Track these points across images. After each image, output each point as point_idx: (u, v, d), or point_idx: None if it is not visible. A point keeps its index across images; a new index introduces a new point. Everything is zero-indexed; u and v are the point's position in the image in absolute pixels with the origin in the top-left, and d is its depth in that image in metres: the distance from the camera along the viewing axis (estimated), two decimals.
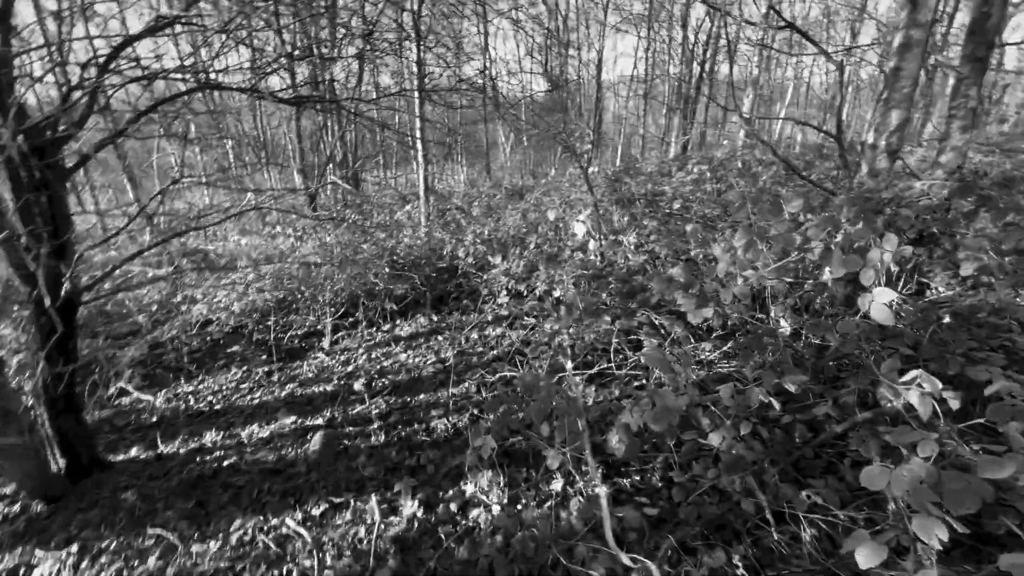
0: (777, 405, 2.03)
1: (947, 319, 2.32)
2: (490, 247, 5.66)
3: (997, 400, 1.71)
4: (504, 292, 3.80)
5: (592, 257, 4.64)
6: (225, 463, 2.78)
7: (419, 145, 6.78)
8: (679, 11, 16.74)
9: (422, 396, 3.31)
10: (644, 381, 2.91)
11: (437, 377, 3.60)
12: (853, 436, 2.00)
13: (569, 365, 2.71)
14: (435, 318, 4.78)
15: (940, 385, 1.82)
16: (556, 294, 3.92)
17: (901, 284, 3.08)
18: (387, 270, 4.74)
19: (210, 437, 3.13)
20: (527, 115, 19.44)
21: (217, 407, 3.57)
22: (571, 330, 2.83)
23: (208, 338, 4.75)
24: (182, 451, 2.99)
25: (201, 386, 3.95)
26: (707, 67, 16.76)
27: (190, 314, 4.93)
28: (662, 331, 2.87)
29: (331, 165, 11.28)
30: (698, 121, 16.25)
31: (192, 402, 3.69)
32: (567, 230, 5.00)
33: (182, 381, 4.06)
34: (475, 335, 4.22)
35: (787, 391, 2.30)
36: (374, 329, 4.75)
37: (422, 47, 6.42)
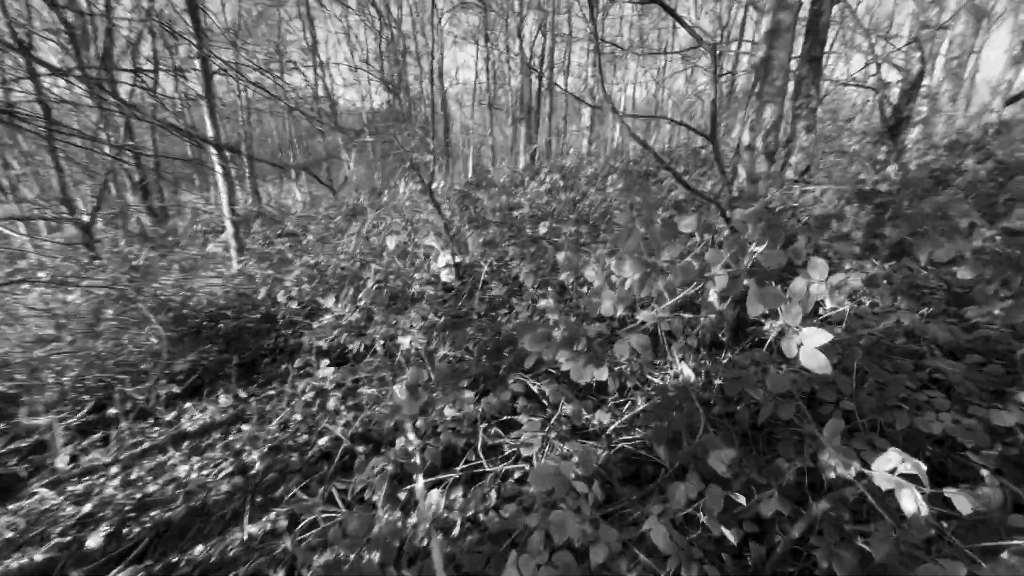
0: (731, 536, 1.38)
1: (862, 350, 1.95)
2: (320, 285, 4.51)
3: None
4: (324, 361, 2.75)
5: (445, 279, 3.82)
6: None
7: (215, 158, 5.28)
8: (514, 24, 16.91)
9: (199, 550, 2.12)
10: (527, 467, 2.13)
11: (233, 501, 2.42)
12: (818, 545, 1.44)
13: (420, 482, 1.81)
14: (242, 395, 3.50)
15: (924, 467, 1.32)
16: (404, 345, 3.00)
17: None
18: (153, 339, 3.33)
19: None
20: (368, 126, 18.06)
21: None
22: (418, 422, 1.93)
23: None
24: None
25: None
26: (544, 80, 17.19)
27: None
28: (544, 401, 2.14)
29: (108, 189, 8.81)
30: (542, 131, 16.54)
31: None
32: (412, 259, 4.10)
33: None
34: (298, 416, 3.08)
35: (714, 472, 1.70)
36: (149, 424, 3.31)
37: (204, 33, 4.98)
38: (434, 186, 6.06)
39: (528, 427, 1.92)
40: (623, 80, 23.55)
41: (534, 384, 2.12)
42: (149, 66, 10.52)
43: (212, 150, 5.26)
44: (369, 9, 15.82)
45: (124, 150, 9.22)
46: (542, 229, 2.50)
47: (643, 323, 2.11)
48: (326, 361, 2.74)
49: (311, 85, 15.89)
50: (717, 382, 2.29)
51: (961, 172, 5.73)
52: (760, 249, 2.02)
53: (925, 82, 6.38)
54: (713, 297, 2.68)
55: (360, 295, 3.65)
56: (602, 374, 1.91)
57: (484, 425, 2.03)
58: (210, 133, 5.23)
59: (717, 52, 2.42)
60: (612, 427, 2.02)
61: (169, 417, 3.39)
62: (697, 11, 17.08)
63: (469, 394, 2.01)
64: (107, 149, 8.83)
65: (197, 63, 4.98)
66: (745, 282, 2.02)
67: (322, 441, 2.79)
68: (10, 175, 10.40)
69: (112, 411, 3.36)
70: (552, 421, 1.99)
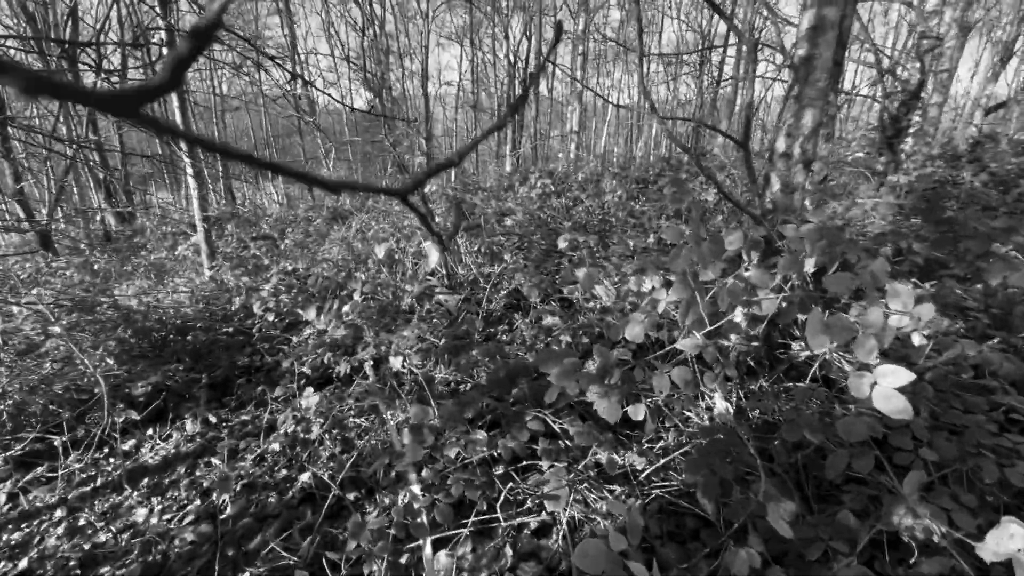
0: None
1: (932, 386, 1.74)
2: (301, 294, 4.16)
3: None
4: (308, 389, 2.42)
5: (443, 296, 3.52)
6: None
7: (186, 160, 4.87)
8: (500, 26, 16.71)
9: None
10: (546, 516, 1.85)
11: (199, 555, 2.08)
12: None
13: (428, 548, 1.52)
14: (212, 420, 3.14)
15: None
16: (395, 367, 2.69)
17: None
18: (110, 361, 2.94)
19: None
20: (348, 126, 17.61)
21: None
22: (424, 471, 1.64)
23: None
24: None
25: None
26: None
27: None
28: (565, 445, 1.87)
29: (66, 188, 8.24)
30: (529, 134, 16.35)
31: None
32: (403, 270, 3.79)
33: None
34: (276, 446, 2.74)
35: (773, 530, 1.46)
36: (103, 454, 2.92)
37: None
38: (425, 189, 5.75)
39: (552, 475, 1.65)
40: (606, 86, 23.59)
41: (555, 422, 1.85)
42: (115, 60, 9.92)
43: (182, 146, 4.85)
44: (351, 6, 15.39)
45: (84, 147, 8.66)
46: (562, 243, 2.23)
47: (680, 352, 1.86)
48: (310, 389, 2.41)
49: (288, 82, 15.37)
50: (754, 414, 2.07)
51: (958, 183, 5.71)
52: (811, 269, 1.80)
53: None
54: (740, 317, 2.46)
55: (346, 308, 3.33)
56: (638, 412, 1.66)
57: (499, 471, 1.75)
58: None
59: (760, 43, 2.19)
60: (646, 472, 1.76)
61: (127, 447, 3.01)
62: (680, 22, 17.15)
63: (482, 435, 1.73)
64: (66, 145, 8.27)
65: (166, 51, 4.57)
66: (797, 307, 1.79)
67: (304, 477, 2.46)
68: None
69: (61, 440, 2.96)
70: (580, 467, 1.72)
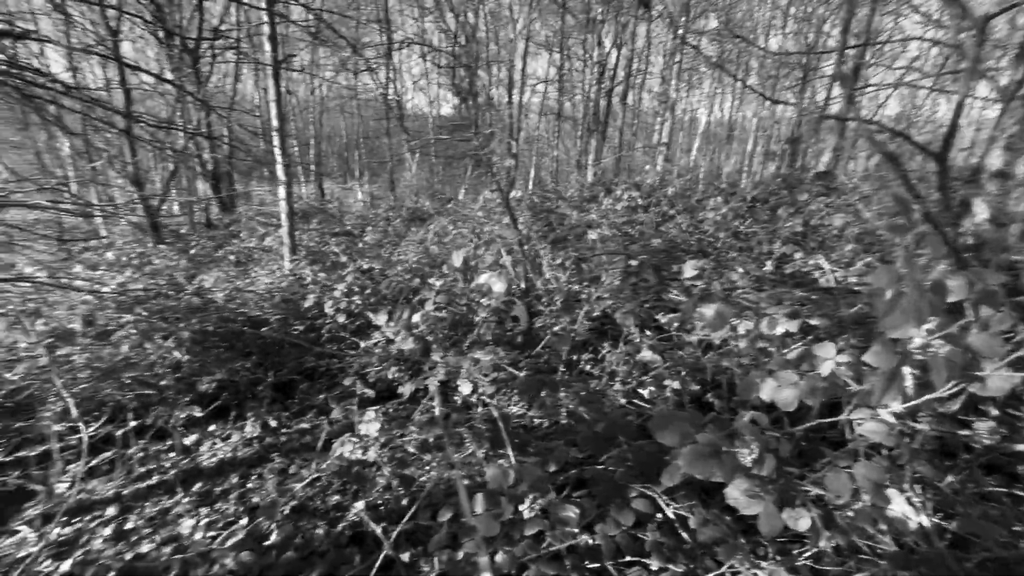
0: None
1: None
2: (373, 296, 3.98)
3: None
4: (368, 413, 2.14)
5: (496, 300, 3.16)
6: None
7: (278, 153, 4.92)
8: (593, 33, 16.32)
9: None
10: None
11: None
12: None
13: None
14: (272, 423, 2.98)
15: None
16: (464, 392, 2.36)
17: None
18: (176, 354, 2.85)
19: None
20: (434, 130, 17.97)
21: None
22: (499, 556, 1.27)
23: None
24: None
25: None
26: (616, 93, 16.46)
27: None
28: (681, 537, 1.42)
29: (177, 175, 8.86)
30: (612, 145, 15.78)
31: None
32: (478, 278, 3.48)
33: None
34: (331, 467, 2.49)
35: None
36: (165, 447, 2.83)
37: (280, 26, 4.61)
38: (511, 195, 5.48)
39: None
40: (696, 101, 22.49)
41: (669, 504, 1.41)
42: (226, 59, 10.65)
43: (275, 140, 4.91)
44: (446, 14, 15.69)
45: (197, 135, 9.26)
46: (690, 271, 1.80)
47: (832, 426, 1.37)
48: (371, 413, 2.13)
49: (381, 85, 15.88)
50: (948, 525, 1.50)
51: None
52: None
53: None
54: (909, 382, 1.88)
55: (417, 318, 3.06)
56: (801, 522, 1.19)
57: (594, 566, 1.34)
58: (274, 123, 4.87)
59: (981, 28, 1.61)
60: None
61: (189, 441, 2.92)
62: (786, 27, 15.84)
63: (571, 512, 1.33)
64: (181, 135, 8.88)
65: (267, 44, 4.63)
66: None
67: (358, 506, 2.19)
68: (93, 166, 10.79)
69: (127, 427, 2.91)
70: None
